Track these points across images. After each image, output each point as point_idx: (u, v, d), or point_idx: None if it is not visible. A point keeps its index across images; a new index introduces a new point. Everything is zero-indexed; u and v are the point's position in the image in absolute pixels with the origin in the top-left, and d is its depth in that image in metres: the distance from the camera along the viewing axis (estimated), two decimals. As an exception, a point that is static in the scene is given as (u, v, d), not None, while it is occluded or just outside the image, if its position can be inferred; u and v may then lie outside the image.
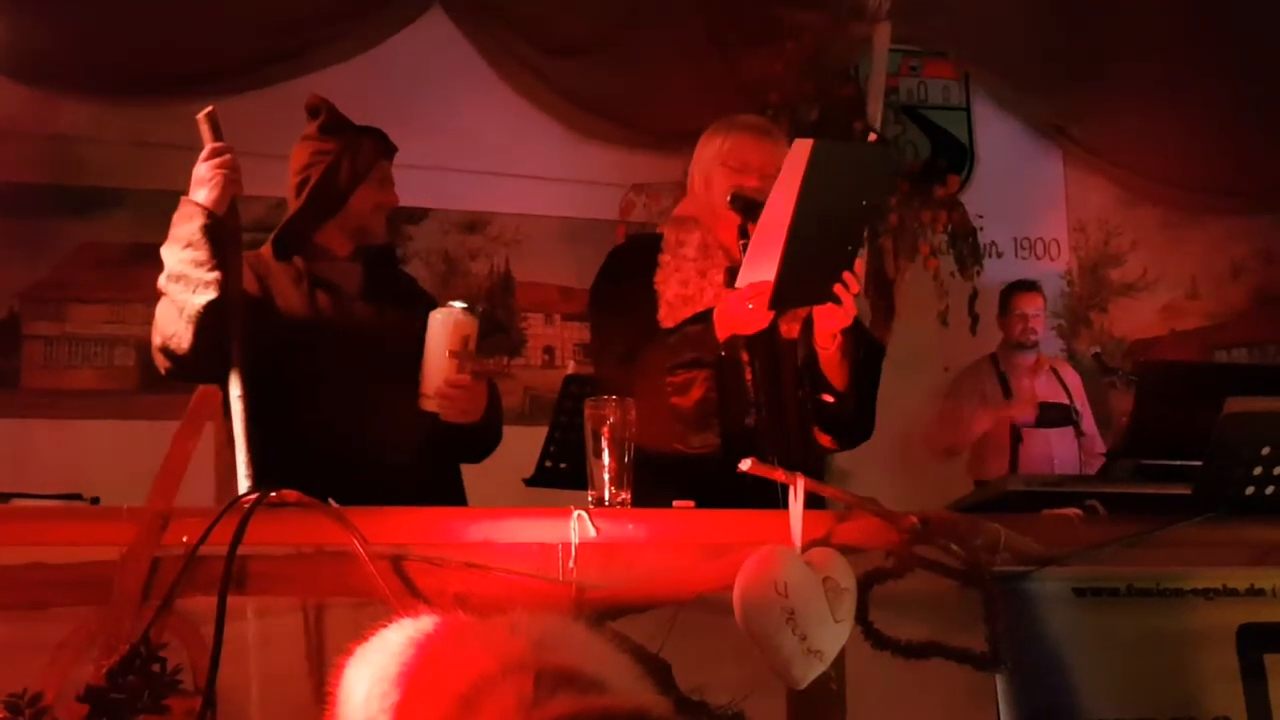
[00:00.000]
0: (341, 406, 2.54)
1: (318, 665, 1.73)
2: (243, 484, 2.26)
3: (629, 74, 5.69)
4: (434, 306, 2.61)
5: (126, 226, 5.04)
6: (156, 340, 2.47)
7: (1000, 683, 1.95)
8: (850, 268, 2.36)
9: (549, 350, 5.69)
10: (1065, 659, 1.97)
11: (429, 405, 2.46)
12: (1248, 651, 2.03)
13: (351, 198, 2.69)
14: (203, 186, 2.44)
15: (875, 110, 5.41)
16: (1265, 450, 2.22)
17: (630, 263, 2.71)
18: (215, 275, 2.39)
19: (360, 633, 1.32)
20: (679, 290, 2.59)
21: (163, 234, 2.46)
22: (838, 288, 2.36)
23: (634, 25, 5.71)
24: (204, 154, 2.45)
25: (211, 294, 2.38)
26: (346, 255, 2.74)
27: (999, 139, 6.51)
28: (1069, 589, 2.01)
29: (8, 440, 4.78)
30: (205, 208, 2.42)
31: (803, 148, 2.24)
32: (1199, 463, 2.27)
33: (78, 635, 1.62)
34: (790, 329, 2.59)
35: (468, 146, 5.45)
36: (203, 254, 2.39)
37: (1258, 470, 2.23)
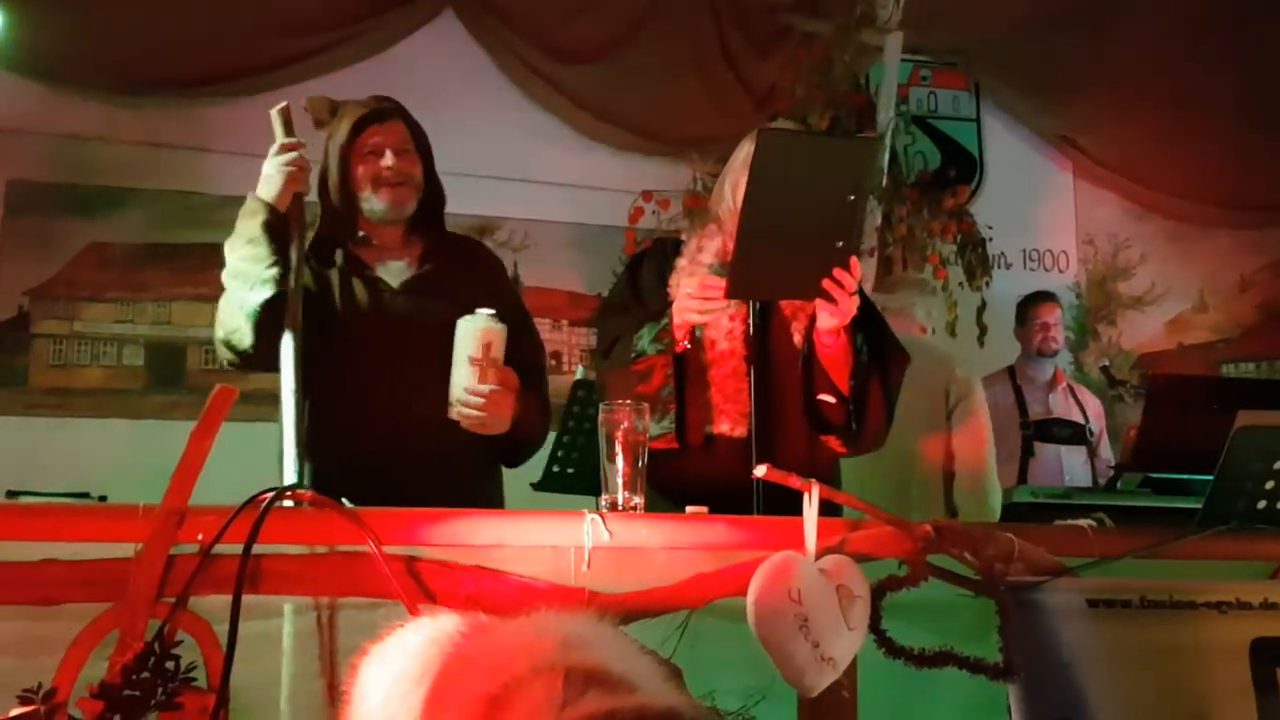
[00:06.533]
0: (372, 400, 2.51)
1: (331, 664, 1.73)
2: (289, 476, 2.28)
3: (639, 81, 5.70)
4: (500, 268, 2.64)
5: (136, 226, 5.02)
6: (219, 334, 2.49)
7: (1012, 693, 1.94)
8: (842, 264, 2.30)
9: (556, 355, 5.69)
10: (1077, 670, 1.96)
11: (450, 413, 2.42)
12: (1261, 666, 2.03)
13: (351, 184, 2.63)
14: (267, 182, 2.46)
15: (885, 120, 5.42)
16: (1277, 464, 2.22)
17: (647, 269, 2.70)
18: (273, 272, 2.39)
19: (373, 633, 1.32)
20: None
21: (172, 233, 2.48)
22: (829, 284, 2.31)
23: (644, 33, 5.72)
24: (273, 149, 2.47)
25: (269, 291, 2.39)
26: (392, 243, 2.68)
27: (1009, 150, 6.53)
28: (1082, 600, 2.00)
29: (16, 438, 4.80)
30: (268, 204, 2.43)
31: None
32: (1207, 476, 2.27)
33: (92, 632, 1.62)
34: (798, 328, 2.57)
35: (477, 151, 5.43)
36: (263, 250, 2.40)
37: (1269, 484, 2.23)
